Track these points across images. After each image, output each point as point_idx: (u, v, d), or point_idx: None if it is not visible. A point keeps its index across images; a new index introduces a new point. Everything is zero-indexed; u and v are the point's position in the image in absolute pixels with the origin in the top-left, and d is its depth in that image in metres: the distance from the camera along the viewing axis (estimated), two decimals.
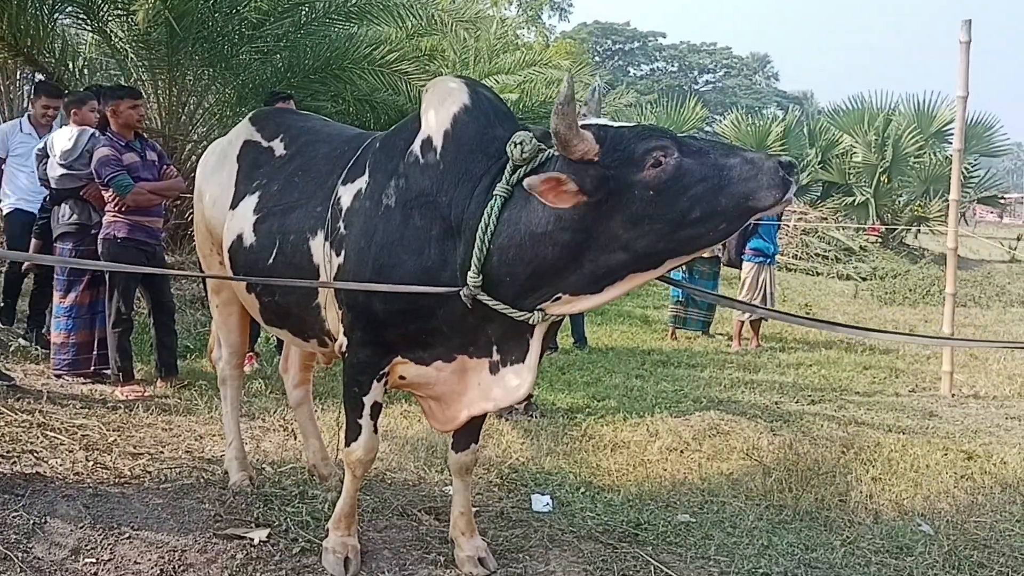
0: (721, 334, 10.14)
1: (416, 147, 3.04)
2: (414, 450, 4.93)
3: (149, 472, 4.16)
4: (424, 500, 4.11)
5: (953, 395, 7.50)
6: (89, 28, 10.67)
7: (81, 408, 5.28)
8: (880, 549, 3.91)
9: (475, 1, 17.62)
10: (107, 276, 5.98)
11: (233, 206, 3.67)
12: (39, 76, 10.92)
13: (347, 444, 3.30)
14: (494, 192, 2.80)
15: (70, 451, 4.36)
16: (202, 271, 4.45)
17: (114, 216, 5.88)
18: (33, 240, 6.67)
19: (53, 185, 6.20)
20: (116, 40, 10.49)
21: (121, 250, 5.84)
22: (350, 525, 3.41)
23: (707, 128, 33.78)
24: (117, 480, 4.03)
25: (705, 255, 9.24)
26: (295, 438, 4.90)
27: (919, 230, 21.28)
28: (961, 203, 9.00)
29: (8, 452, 4.19)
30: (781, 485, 4.66)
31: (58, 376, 6.05)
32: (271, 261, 3.39)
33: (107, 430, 4.83)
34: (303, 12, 10.77)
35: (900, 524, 4.24)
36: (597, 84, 3.24)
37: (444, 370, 3.09)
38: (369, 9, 11.19)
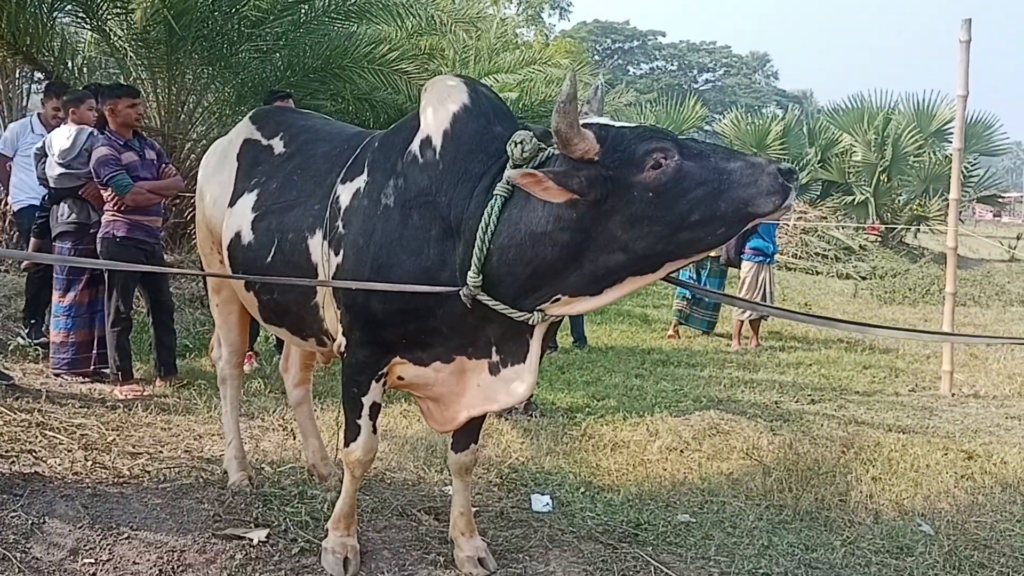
0: (720, 335, 10.13)
1: (415, 146, 3.03)
2: (413, 450, 4.92)
3: (148, 472, 4.16)
4: (423, 500, 4.10)
5: (953, 394, 7.49)
6: (88, 27, 10.65)
7: (80, 407, 5.28)
8: (880, 549, 3.91)
9: (475, 1, 17.62)
10: (106, 275, 5.97)
11: (232, 204, 3.66)
12: (38, 75, 10.92)
13: (346, 444, 3.29)
14: (495, 191, 2.79)
15: (69, 451, 4.36)
16: (202, 270, 4.44)
17: (113, 215, 5.87)
18: (32, 239, 6.65)
19: (51, 184, 6.20)
20: (115, 39, 10.47)
21: (120, 249, 5.83)
22: (349, 525, 3.41)
23: (707, 127, 33.75)
24: (116, 480, 4.02)
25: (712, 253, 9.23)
26: (294, 438, 4.89)
27: (919, 229, 21.28)
28: (961, 202, 8.99)
29: (6, 451, 4.18)
30: (781, 485, 4.65)
31: (57, 375, 6.04)
32: (269, 259, 3.38)
33: (106, 429, 4.82)
34: (302, 11, 10.77)
35: (900, 524, 4.23)
36: (599, 83, 3.22)
37: (443, 371, 3.08)
38: (368, 8, 11.19)
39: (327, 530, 3.42)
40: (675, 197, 2.57)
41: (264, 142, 3.76)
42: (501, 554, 3.55)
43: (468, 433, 3.41)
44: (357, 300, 3.04)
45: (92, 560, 3.24)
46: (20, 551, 3.20)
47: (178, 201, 9.87)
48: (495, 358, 3.01)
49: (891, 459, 5.18)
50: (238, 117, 9.31)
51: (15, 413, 4.80)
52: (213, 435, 4.93)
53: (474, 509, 3.64)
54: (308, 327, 3.43)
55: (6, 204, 8.37)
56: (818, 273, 17.11)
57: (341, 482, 3.49)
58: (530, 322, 2.86)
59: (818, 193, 22.74)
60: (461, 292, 2.83)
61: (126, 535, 3.41)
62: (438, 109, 3.02)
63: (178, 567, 3.25)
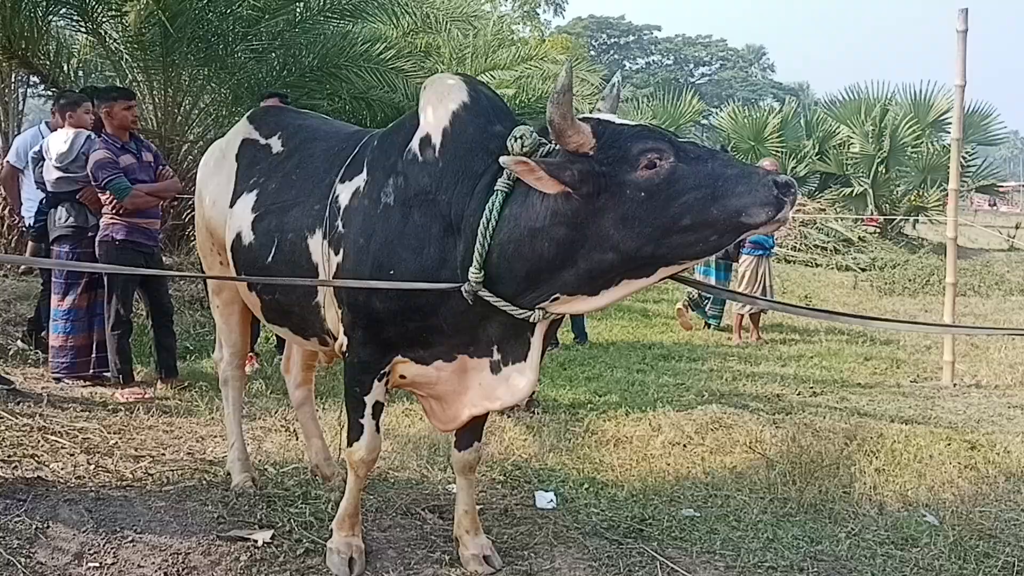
0: (721, 328, 10.12)
1: (415, 145, 3.02)
2: (416, 448, 4.92)
3: (151, 475, 4.15)
4: (428, 498, 4.09)
5: (955, 385, 7.49)
6: (83, 29, 10.65)
7: (81, 411, 5.27)
8: (885, 540, 3.90)
9: None
10: (105, 278, 5.97)
11: (232, 204, 3.65)
12: (34, 78, 10.90)
13: (349, 444, 3.28)
14: (496, 187, 2.79)
15: (71, 455, 4.35)
16: (202, 271, 4.43)
17: (112, 218, 5.87)
18: (30, 243, 6.64)
19: (49, 188, 6.19)
20: (110, 41, 10.47)
21: (119, 252, 5.83)
22: (354, 525, 3.40)
23: (704, 121, 33.70)
24: (119, 483, 4.01)
25: None
26: (297, 438, 4.88)
27: (917, 220, 21.26)
28: (960, 192, 8.98)
29: (9, 457, 4.18)
30: (785, 478, 4.64)
31: (57, 380, 6.03)
32: (270, 259, 3.37)
33: (108, 433, 4.81)
34: (297, 10, 10.76)
35: (905, 515, 4.23)
36: (616, 80, 3.19)
37: (445, 370, 3.08)
38: (364, 7, 11.19)
39: (332, 530, 3.41)
40: (667, 199, 2.55)
41: (262, 141, 3.75)
42: (506, 551, 3.54)
43: (471, 431, 3.40)
44: (358, 299, 3.04)
45: (97, 564, 3.23)
46: (24, 556, 3.19)
47: (176, 203, 9.86)
48: (496, 356, 3.00)
49: (894, 450, 5.17)
50: (235, 118, 9.30)
51: (16, 418, 4.79)
52: (215, 437, 4.93)
53: (478, 507, 3.63)
54: (310, 327, 3.42)
55: (11, 212, 8.36)
56: (818, 265, 17.10)
57: (345, 482, 3.48)
58: (531, 320, 2.85)
59: (816, 185, 22.73)
60: (463, 288, 2.83)
61: (130, 539, 3.40)
62: (438, 107, 3.01)
63: (183, 570, 3.24)
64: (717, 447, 5.20)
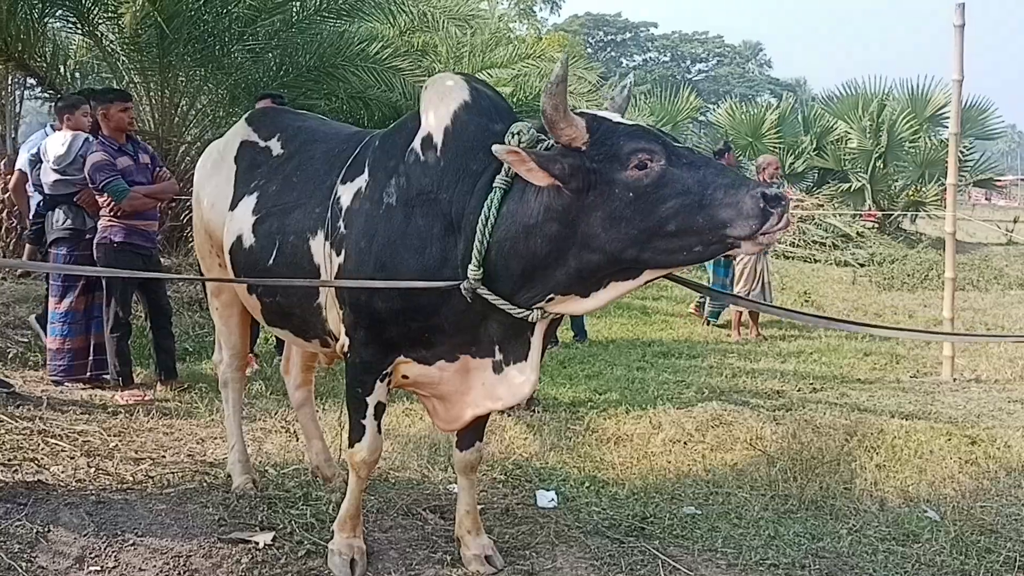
0: (720, 325, 10.12)
1: (417, 145, 3.02)
2: (417, 448, 4.91)
3: (152, 477, 4.14)
4: (429, 499, 4.09)
5: (955, 380, 7.49)
6: (79, 31, 10.63)
7: (81, 414, 5.26)
8: (887, 536, 3.91)
9: None
10: (104, 281, 5.96)
11: (232, 207, 3.64)
12: (31, 80, 10.89)
13: (351, 445, 3.28)
14: (494, 184, 2.79)
15: (72, 458, 4.34)
16: (201, 273, 4.42)
17: (110, 220, 5.86)
18: (27, 246, 6.63)
19: (47, 191, 6.18)
20: (107, 43, 10.46)
21: (118, 254, 5.82)
22: (355, 526, 3.39)
23: (701, 118, 33.68)
24: (120, 486, 4.00)
25: None
26: (297, 440, 4.87)
27: (917, 215, 21.26)
28: (958, 187, 8.98)
29: (9, 460, 4.17)
30: (786, 475, 4.64)
31: (56, 383, 6.02)
32: (271, 262, 3.37)
33: (108, 435, 4.80)
34: (294, 9, 10.75)
35: (906, 511, 4.23)
36: (629, 80, 3.17)
37: (447, 370, 3.08)
38: (360, 6, 11.17)
39: (333, 531, 3.41)
40: (654, 202, 2.54)
41: (262, 144, 3.74)
42: (508, 551, 3.54)
43: (473, 431, 3.40)
44: (360, 300, 3.03)
45: (98, 568, 3.22)
46: (25, 560, 3.19)
47: (174, 205, 9.85)
48: (498, 356, 3.00)
49: (895, 446, 5.17)
50: (232, 119, 9.30)
51: (16, 421, 4.79)
52: (216, 439, 4.92)
53: (479, 506, 3.63)
54: (312, 328, 3.42)
55: (8, 215, 8.34)
56: (816, 261, 17.09)
57: (346, 483, 3.48)
58: (530, 319, 2.85)
59: (814, 181, 22.71)
60: (462, 286, 2.82)
61: (131, 542, 3.40)
62: (439, 107, 3.01)
63: (184, 572, 3.23)
64: (718, 444, 5.20)
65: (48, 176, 6.11)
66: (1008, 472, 4.80)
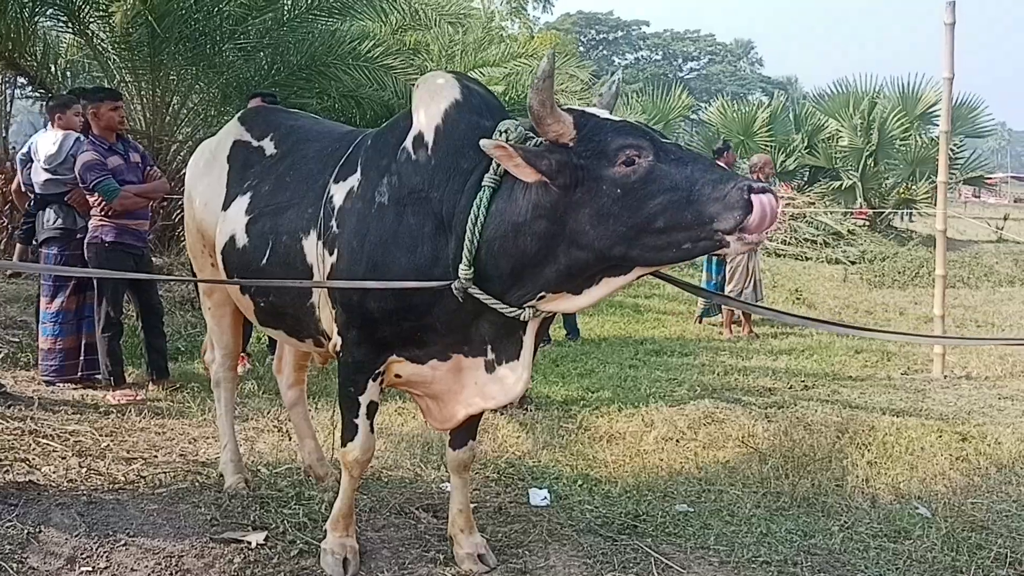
0: (713, 324, 10.14)
1: (408, 144, 3.02)
2: (410, 447, 4.91)
3: (143, 477, 4.13)
4: (421, 498, 4.09)
5: (945, 376, 7.52)
6: (70, 30, 10.59)
7: (73, 414, 5.24)
8: (878, 533, 3.92)
9: None
10: (95, 281, 5.93)
11: (225, 207, 3.63)
12: (21, 80, 10.85)
13: (344, 444, 3.27)
14: (483, 183, 2.79)
15: (63, 458, 4.32)
16: (193, 273, 4.41)
17: (101, 220, 5.84)
18: (17, 245, 6.60)
19: (37, 190, 6.16)
20: (98, 42, 10.41)
21: (108, 254, 5.80)
22: (348, 525, 3.39)
23: (693, 116, 33.72)
24: (111, 486, 3.99)
25: None
26: (290, 439, 4.87)
27: (909, 213, 21.33)
28: (948, 184, 9.01)
29: (0, 461, 4.15)
30: (777, 472, 4.66)
31: (48, 383, 6.00)
32: (264, 262, 3.36)
33: (100, 436, 4.78)
34: (285, 7, 10.72)
35: (897, 508, 4.24)
36: (617, 78, 3.18)
37: (440, 369, 3.08)
38: (352, 4, 11.15)
39: (326, 531, 3.40)
40: (642, 198, 2.53)
41: (255, 143, 3.73)
42: (500, 549, 3.54)
43: (466, 430, 3.39)
44: (353, 299, 3.03)
45: (90, 568, 3.21)
46: (16, 561, 3.18)
47: (165, 204, 9.82)
48: (490, 356, 3.00)
49: (886, 443, 5.19)
50: (224, 118, 9.29)
51: (7, 421, 4.77)
52: (208, 438, 4.91)
53: (472, 505, 3.63)
54: (305, 328, 3.41)
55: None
56: (807, 259, 17.14)
57: (338, 482, 3.48)
58: (522, 318, 2.85)
59: (805, 179, 22.77)
60: (453, 286, 2.82)
61: (123, 542, 3.39)
62: (430, 106, 3.00)
63: (176, 572, 3.23)
64: (710, 442, 5.21)
65: (39, 175, 6.09)
66: (999, 468, 4.83)
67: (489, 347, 2.99)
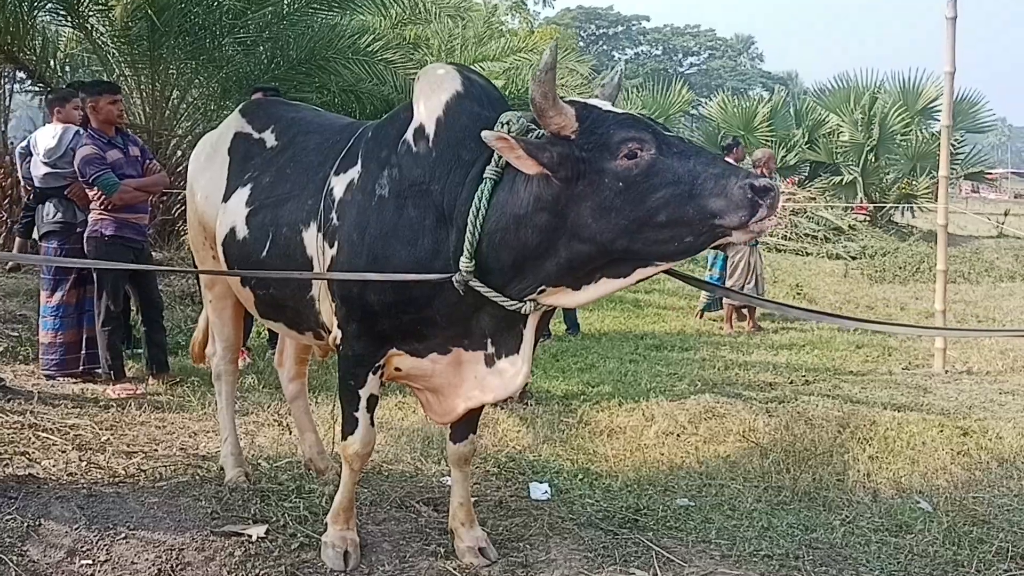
0: (714, 319, 10.13)
1: (409, 135, 3.00)
2: (410, 441, 4.91)
3: (144, 471, 4.13)
4: (422, 491, 4.09)
5: (947, 371, 7.52)
6: (70, 24, 10.57)
7: (73, 408, 5.24)
8: (880, 527, 3.91)
9: None
10: (95, 274, 5.93)
11: (225, 199, 3.63)
12: (20, 74, 10.84)
13: (344, 438, 3.27)
14: (484, 175, 2.77)
15: (63, 451, 4.32)
16: (195, 265, 4.40)
17: (100, 214, 5.82)
18: (17, 239, 6.60)
19: (37, 184, 6.15)
20: (97, 36, 10.40)
21: (108, 248, 5.79)
22: (348, 519, 3.39)
23: (693, 111, 33.70)
24: (112, 480, 3.99)
25: None
26: (290, 432, 4.87)
27: (910, 208, 21.32)
28: (949, 179, 9.01)
29: (0, 454, 4.15)
30: (779, 466, 4.65)
31: (48, 377, 5.99)
32: (264, 254, 3.35)
33: (100, 429, 4.78)
34: (285, 2, 10.72)
35: (899, 502, 4.24)
36: (620, 69, 3.17)
37: (439, 362, 3.07)
38: None
39: (326, 524, 3.40)
40: (644, 192, 2.51)
41: (256, 135, 3.72)
42: (501, 543, 3.53)
43: (466, 424, 3.39)
44: (352, 292, 3.02)
45: (90, 561, 3.21)
46: (16, 554, 3.17)
47: (165, 198, 9.81)
48: (491, 349, 2.99)
49: (887, 437, 5.19)
50: (223, 111, 9.27)
51: (8, 415, 4.76)
52: (208, 432, 4.90)
53: (473, 499, 3.63)
54: (305, 320, 3.40)
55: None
56: (808, 254, 17.13)
57: (339, 476, 3.47)
58: (522, 311, 2.84)
59: (806, 174, 22.76)
60: (454, 278, 2.81)
61: (124, 535, 3.38)
62: (431, 97, 2.99)
63: (177, 566, 3.22)
64: (710, 436, 5.21)
65: (38, 169, 6.08)
66: (1000, 463, 4.82)
67: (489, 340, 2.98)
